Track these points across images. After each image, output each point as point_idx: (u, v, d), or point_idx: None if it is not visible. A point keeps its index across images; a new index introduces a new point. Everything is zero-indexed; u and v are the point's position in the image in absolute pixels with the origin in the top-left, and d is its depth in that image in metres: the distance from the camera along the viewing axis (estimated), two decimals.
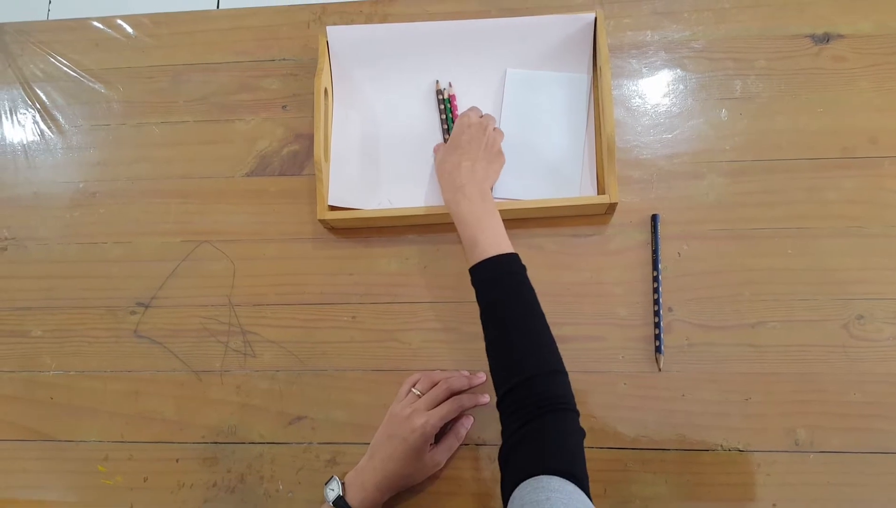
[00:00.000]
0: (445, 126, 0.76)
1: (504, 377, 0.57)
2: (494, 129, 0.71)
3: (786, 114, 0.73)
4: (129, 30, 0.84)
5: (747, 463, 0.65)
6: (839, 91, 0.73)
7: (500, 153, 0.70)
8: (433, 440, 0.63)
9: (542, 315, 0.59)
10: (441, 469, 0.66)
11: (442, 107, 0.76)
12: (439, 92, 0.77)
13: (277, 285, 0.74)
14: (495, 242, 0.61)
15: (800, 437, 0.66)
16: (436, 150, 0.75)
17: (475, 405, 0.67)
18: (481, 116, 0.71)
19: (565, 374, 0.57)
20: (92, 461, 0.72)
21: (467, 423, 0.67)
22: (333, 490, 0.62)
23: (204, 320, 0.75)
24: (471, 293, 0.71)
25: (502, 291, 0.60)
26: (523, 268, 0.61)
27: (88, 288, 0.77)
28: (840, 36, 0.74)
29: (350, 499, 0.61)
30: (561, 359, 0.58)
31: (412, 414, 0.62)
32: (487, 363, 0.59)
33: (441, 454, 0.65)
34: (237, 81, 0.81)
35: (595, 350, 0.69)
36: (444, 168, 0.68)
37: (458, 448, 0.67)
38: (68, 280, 0.77)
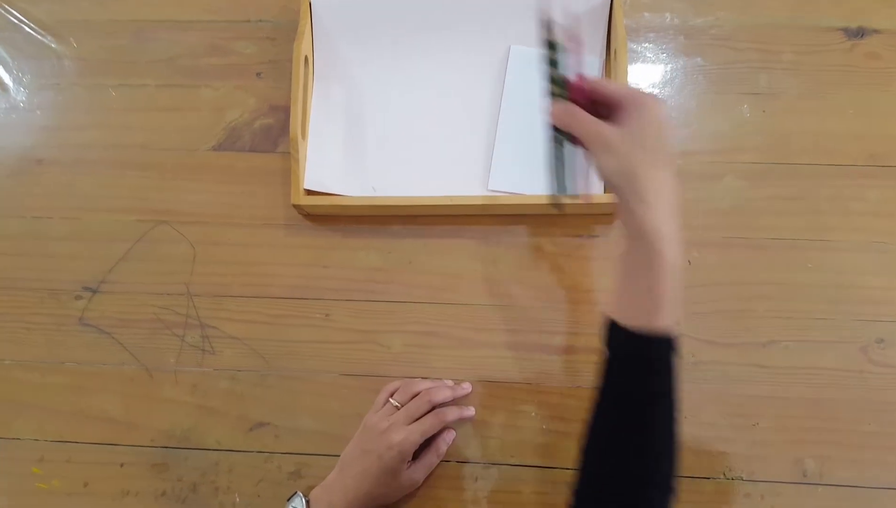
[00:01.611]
0: (553, 87, 0.50)
1: (618, 480, 0.44)
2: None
3: (812, 114, 0.66)
4: None
5: (751, 494, 0.60)
6: (871, 92, 0.67)
7: None
8: (410, 458, 0.57)
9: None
10: (418, 489, 0.59)
11: (552, 56, 0.49)
12: (545, 29, 0.49)
13: (243, 275, 0.67)
14: (675, 314, 0.45)
15: (808, 467, 0.60)
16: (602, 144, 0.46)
17: (459, 419, 0.61)
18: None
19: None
20: (26, 461, 0.64)
21: (449, 438, 0.61)
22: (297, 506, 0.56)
23: (158, 309, 0.67)
24: (460, 294, 0.65)
25: (668, 383, 0.44)
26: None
27: (29, 268, 0.68)
28: (875, 31, 0.68)
29: None
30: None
31: (389, 428, 0.56)
32: (586, 442, 0.47)
33: (419, 472, 0.58)
34: (207, 42, 0.72)
35: (593, 363, 0.62)
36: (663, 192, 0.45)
37: (437, 465, 0.61)
38: (6, 258, 0.68)
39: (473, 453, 0.62)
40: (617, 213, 0.48)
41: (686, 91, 0.68)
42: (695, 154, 0.66)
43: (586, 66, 0.49)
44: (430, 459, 0.59)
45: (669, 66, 0.69)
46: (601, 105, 0.47)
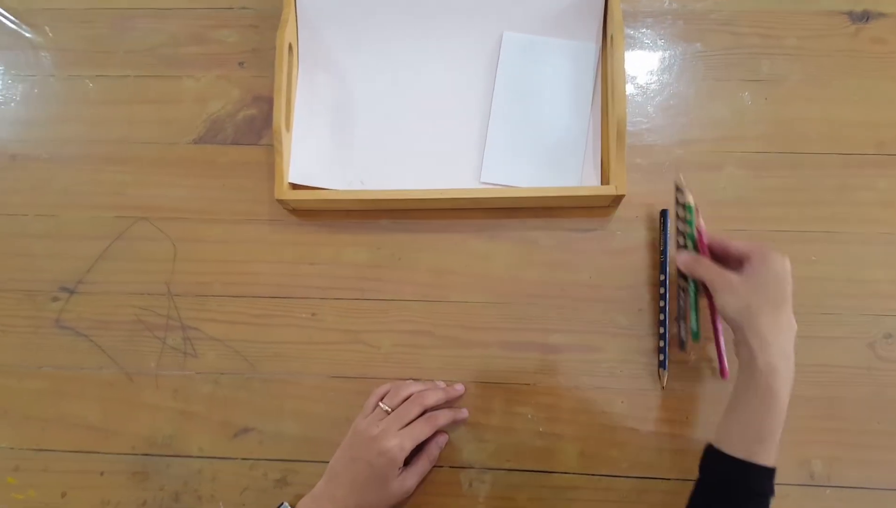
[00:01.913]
0: (682, 239, 0.57)
1: None
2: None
3: (816, 101, 0.64)
4: None
5: None
6: (877, 78, 0.64)
7: None
8: (402, 464, 0.55)
9: None
10: (410, 496, 0.57)
11: (683, 215, 0.57)
12: (679, 191, 0.58)
13: (225, 274, 0.64)
14: (776, 452, 0.49)
15: (815, 469, 0.58)
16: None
17: (453, 423, 0.58)
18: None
19: None
20: (0, 471, 0.61)
21: (441, 441, 0.59)
22: None
23: (138, 310, 0.64)
24: (452, 291, 0.62)
25: None
26: None
27: (3, 268, 0.66)
28: (881, 15, 0.65)
29: None
30: None
31: (380, 434, 0.53)
32: None
33: (411, 478, 0.56)
34: (188, 30, 0.69)
35: (590, 363, 0.61)
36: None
37: (430, 471, 0.58)
38: None
39: (468, 457, 0.59)
40: (736, 350, 0.52)
41: (685, 78, 0.65)
42: (695, 143, 0.64)
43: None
44: (422, 465, 0.57)
45: (668, 52, 0.66)
46: (722, 258, 0.55)
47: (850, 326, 0.60)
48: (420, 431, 0.55)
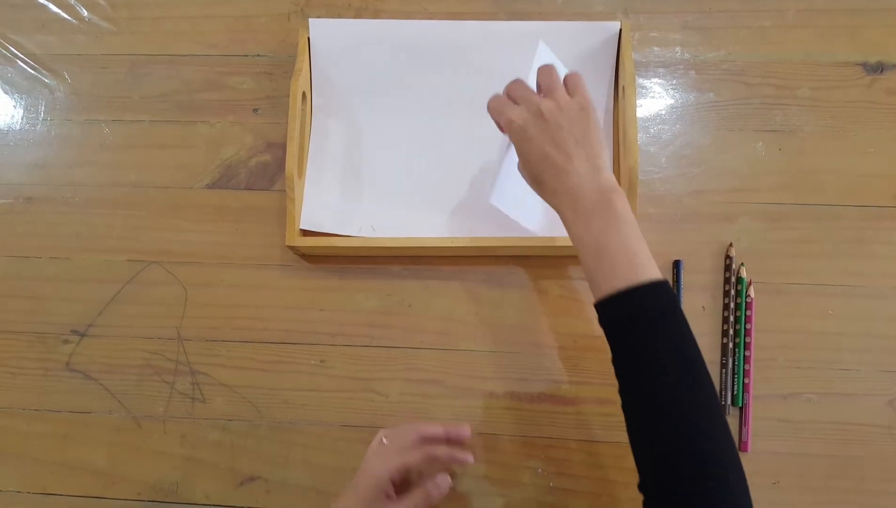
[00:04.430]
0: (734, 320, 0.60)
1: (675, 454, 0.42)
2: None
3: (831, 152, 0.63)
4: (84, 12, 0.72)
5: None
6: (893, 130, 0.63)
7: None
8: (393, 494, 0.51)
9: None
10: None
11: (736, 290, 0.60)
12: (728, 260, 0.60)
13: (235, 319, 0.64)
14: (651, 263, 0.45)
15: None
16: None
17: (453, 462, 0.54)
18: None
19: None
20: None
21: (443, 484, 0.53)
22: None
23: (148, 355, 0.64)
24: (462, 340, 0.62)
25: (678, 328, 0.44)
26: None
27: (15, 310, 0.66)
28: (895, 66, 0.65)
29: None
30: None
31: (369, 457, 0.52)
32: (632, 434, 0.45)
33: None
34: (203, 77, 0.70)
35: (603, 416, 0.60)
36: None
37: None
38: None
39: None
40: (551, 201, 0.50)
41: (698, 128, 0.65)
42: (708, 194, 0.63)
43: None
44: (415, 498, 0.52)
45: (680, 101, 0.66)
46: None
47: (870, 383, 0.59)
48: (410, 454, 0.52)
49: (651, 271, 0.44)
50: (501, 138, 0.61)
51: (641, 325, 0.44)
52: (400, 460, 0.51)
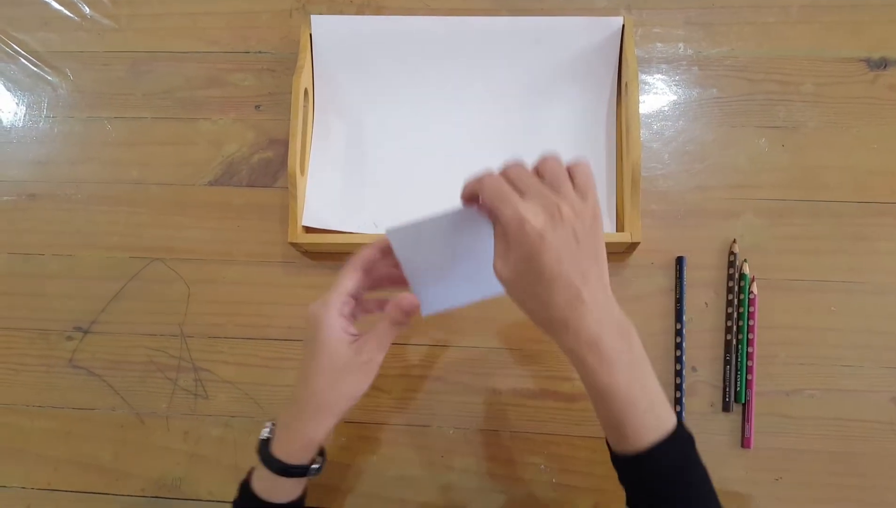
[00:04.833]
0: (737, 316, 0.59)
1: None
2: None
3: (834, 148, 0.63)
4: (86, 9, 0.72)
5: None
6: None
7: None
8: (352, 331, 0.46)
9: None
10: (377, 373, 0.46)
11: (739, 286, 0.59)
12: (732, 256, 0.60)
13: (238, 315, 0.64)
14: (661, 392, 0.42)
15: None
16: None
17: (392, 282, 0.48)
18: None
19: None
20: None
21: (405, 303, 0.45)
22: (262, 435, 0.48)
23: (151, 351, 0.64)
24: (466, 336, 0.62)
25: (695, 479, 0.42)
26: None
27: (18, 307, 0.66)
28: None
29: (276, 445, 0.46)
30: None
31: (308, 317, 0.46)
32: None
33: (369, 347, 0.45)
34: (205, 74, 0.70)
35: None
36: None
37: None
38: None
39: None
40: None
41: (701, 124, 0.65)
42: (711, 190, 0.63)
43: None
44: (380, 329, 0.45)
45: (683, 98, 0.66)
46: None
47: (872, 379, 0.59)
48: (340, 278, 0.45)
49: (669, 413, 0.41)
50: (495, 150, 0.56)
51: (669, 482, 0.41)
52: (337, 292, 0.45)
